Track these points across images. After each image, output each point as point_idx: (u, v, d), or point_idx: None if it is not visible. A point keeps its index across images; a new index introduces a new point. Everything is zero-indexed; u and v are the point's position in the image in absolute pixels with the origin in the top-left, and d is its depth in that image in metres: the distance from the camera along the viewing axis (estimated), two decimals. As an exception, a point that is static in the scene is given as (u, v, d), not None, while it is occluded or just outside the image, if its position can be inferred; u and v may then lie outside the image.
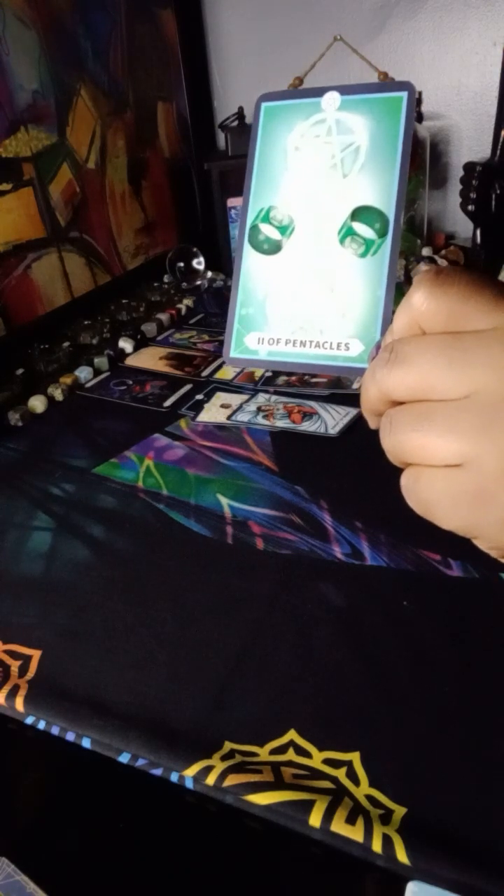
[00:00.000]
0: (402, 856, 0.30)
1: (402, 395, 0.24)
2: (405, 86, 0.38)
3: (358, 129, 0.38)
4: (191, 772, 0.34)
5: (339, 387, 0.70)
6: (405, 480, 0.24)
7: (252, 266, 0.39)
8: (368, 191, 0.37)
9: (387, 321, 0.36)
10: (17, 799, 0.38)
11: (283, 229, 0.39)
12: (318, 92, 0.39)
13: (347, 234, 0.38)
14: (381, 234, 0.37)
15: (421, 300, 0.23)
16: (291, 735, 0.36)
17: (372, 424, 0.27)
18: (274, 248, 0.39)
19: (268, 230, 0.39)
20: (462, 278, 0.23)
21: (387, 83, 0.38)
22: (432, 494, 0.23)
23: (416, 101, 0.38)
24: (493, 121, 0.93)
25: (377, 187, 0.37)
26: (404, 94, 0.37)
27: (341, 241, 0.38)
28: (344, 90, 0.38)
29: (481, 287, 0.22)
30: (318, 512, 0.53)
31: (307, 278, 0.39)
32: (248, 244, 0.39)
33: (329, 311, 0.38)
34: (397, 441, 0.23)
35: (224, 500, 0.55)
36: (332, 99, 0.39)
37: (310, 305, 0.38)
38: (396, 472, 0.25)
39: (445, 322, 0.23)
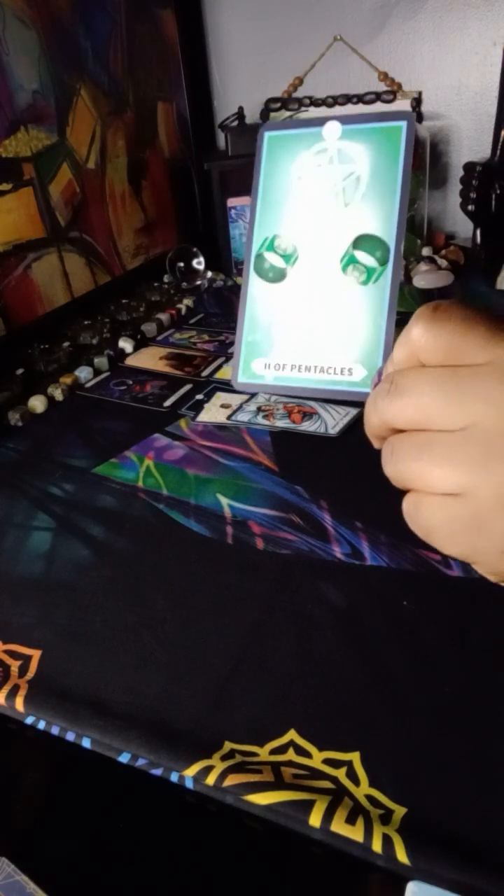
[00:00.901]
0: (402, 856, 0.30)
1: (403, 424, 0.25)
2: (405, 116, 0.38)
3: (359, 158, 0.38)
4: (191, 772, 0.34)
5: (339, 387, 0.70)
6: (406, 506, 0.25)
7: (258, 294, 0.40)
8: (369, 219, 0.37)
9: (388, 346, 0.36)
10: (17, 799, 0.38)
11: (288, 258, 0.39)
12: (320, 122, 0.40)
13: (350, 262, 0.38)
14: (382, 262, 0.37)
15: (419, 335, 0.24)
16: (291, 735, 0.36)
17: (376, 445, 0.28)
18: (279, 276, 0.39)
19: (273, 259, 0.40)
20: (458, 314, 0.23)
21: (386, 113, 0.39)
22: (432, 521, 0.24)
23: (414, 132, 0.38)
24: (493, 121, 0.93)
25: (378, 215, 0.37)
26: (403, 124, 0.37)
27: (343, 269, 0.38)
28: (345, 120, 0.39)
29: (476, 322, 0.23)
30: (318, 512, 0.53)
31: (311, 305, 0.39)
32: (254, 272, 0.40)
33: (332, 338, 0.38)
34: (398, 469, 0.25)
35: (224, 500, 0.56)
36: (332, 128, 0.39)
37: (314, 332, 0.39)
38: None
39: (443, 356, 0.23)
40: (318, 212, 0.39)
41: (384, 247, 0.37)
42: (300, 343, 0.40)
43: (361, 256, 0.37)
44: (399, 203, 0.37)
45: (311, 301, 0.40)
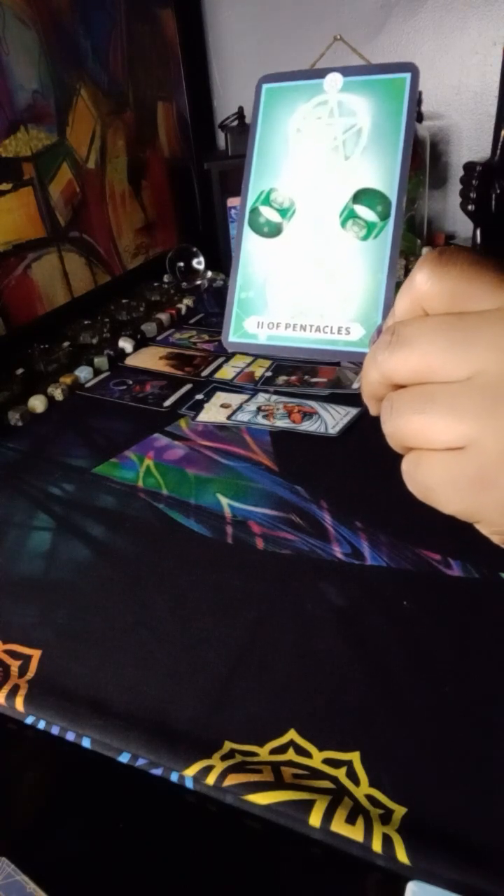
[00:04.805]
0: (402, 855, 0.30)
1: (404, 377, 0.23)
2: (408, 67, 0.37)
3: (360, 111, 0.37)
4: (191, 772, 0.34)
5: (339, 386, 0.70)
6: (406, 465, 0.24)
7: (252, 249, 0.39)
8: (370, 173, 0.37)
9: (388, 305, 0.35)
10: (17, 799, 0.38)
11: (284, 212, 0.39)
12: (321, 73, 0.39)
13: (349, 217, 0.37)
14: (383, 217, 0.36)
15: (423, 281, 0.23)
16: (291, 735, 0.36)
17: (373, 411, 0.26)
18: (274, 230, 0.39)
19: (268, 213, 0.39)
20: (465, 258, 0.22)
21: (390, 65, 0.38)
22: (433, 478, 0.22)
23: (418, 85, 0.38)
24: (493, 121, 0.93)
25: (379, 170, 0.36)
26: (407, 76, 0.37)
27: (343, 224, 0.37)
28: (346, 71, 0.38)
29: (484, 267, 0.22)
30: (318, 512, 0.53)
31: (308, 261, 0.38)
32: (249, 227, 0.39)
33: (330, 295, 0.37)
34: (398, 425, 0.23)
35: (224, 500, 0.55)
36: (334, 80, 0.38)
37: (310, 289, 0.38)
38: (397, 471, 0.25)
39: (448, 303, 0.22)
40: (316, 165, 0.38)
41: (385, 201, 0.36)
42: (296, 301, 0.39)
43: (361, 211, 0.37)
44: (401, 157, 0.37)
45: (308, 257, 0.39)
